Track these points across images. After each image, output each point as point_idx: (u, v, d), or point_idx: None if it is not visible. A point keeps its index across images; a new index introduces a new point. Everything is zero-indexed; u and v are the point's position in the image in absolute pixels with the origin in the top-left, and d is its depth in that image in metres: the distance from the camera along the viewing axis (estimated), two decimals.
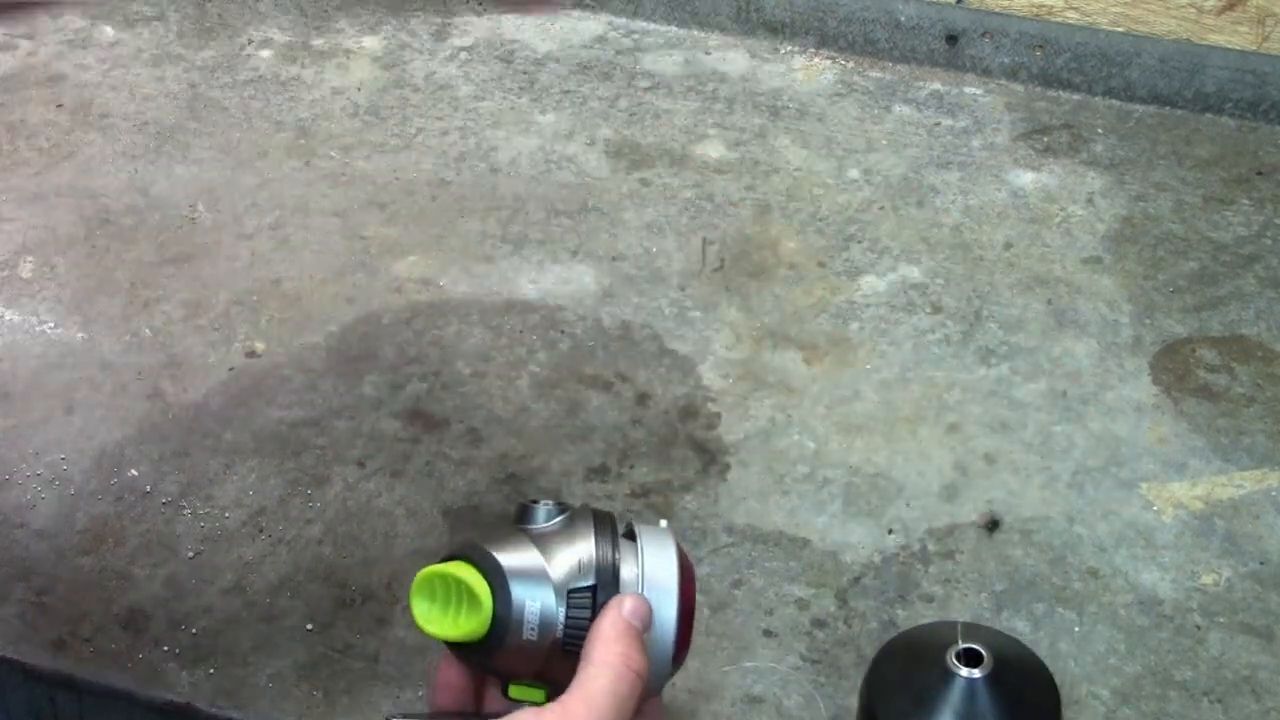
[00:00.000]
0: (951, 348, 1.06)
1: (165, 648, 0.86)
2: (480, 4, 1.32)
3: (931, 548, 0.91)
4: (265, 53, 1.31)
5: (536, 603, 0.55)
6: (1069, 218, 1.18)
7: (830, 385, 1.03)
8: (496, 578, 0.55)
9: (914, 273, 1.12)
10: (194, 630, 0.87)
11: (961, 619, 0.87)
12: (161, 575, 0.90)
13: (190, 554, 0.91)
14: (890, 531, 0.92)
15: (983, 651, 0.74)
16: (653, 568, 0.55)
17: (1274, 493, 0.94)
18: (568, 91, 1.25)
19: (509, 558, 0.55)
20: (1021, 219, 1.18)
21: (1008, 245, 1.15)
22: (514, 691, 0.56)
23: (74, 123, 1.25)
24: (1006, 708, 0.73)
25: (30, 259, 1.14)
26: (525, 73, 1.28)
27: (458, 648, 0.56)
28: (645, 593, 0.55)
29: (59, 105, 1.27)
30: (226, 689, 0.83)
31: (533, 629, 0.54)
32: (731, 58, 1.32)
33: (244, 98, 1.27)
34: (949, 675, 0.74)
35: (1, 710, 0.86)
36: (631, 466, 0.97)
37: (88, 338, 1.07)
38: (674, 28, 1.35)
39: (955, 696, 0.73)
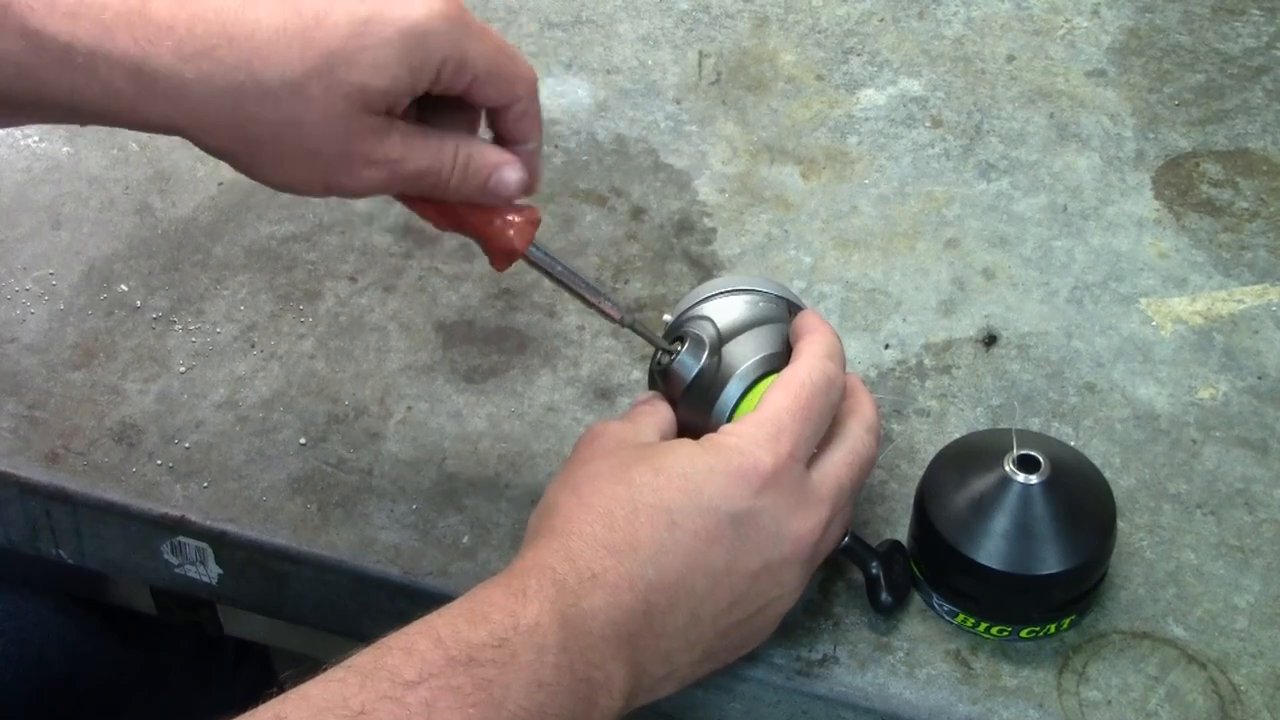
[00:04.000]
0: (951, 162, 1.04)
1: (159, 461, 0.86)
2: None
3: (928, 362, 0.91)
4: None
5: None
6: (1073, 29, 1.15)
7: (828, 200, 1.01)
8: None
9: (914, 86, 1.10)
10: (187, 445, 0.87)
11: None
12: (154, 390, 0.90)
13: (182, 369, 0.91)
14: (887, 346, 0.92)
15: (1039, 458, 0.74)
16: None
17: (1274, 307, 0.93)
18: None
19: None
20: (1025, 31, 1.15)
21: (1010, 58, 1.12)
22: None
23: None
24: (1062, 513, 0.73)
25: None
26: None
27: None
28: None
29: None
30: (220, 502, 0.84)
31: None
32: None
33: None
34: (1006, 481, 0.74)
35: None
36: (626, 281, 0.96)
37: (73, 151, 1.05)
38: None
39: (1011, 502, 0.73)
